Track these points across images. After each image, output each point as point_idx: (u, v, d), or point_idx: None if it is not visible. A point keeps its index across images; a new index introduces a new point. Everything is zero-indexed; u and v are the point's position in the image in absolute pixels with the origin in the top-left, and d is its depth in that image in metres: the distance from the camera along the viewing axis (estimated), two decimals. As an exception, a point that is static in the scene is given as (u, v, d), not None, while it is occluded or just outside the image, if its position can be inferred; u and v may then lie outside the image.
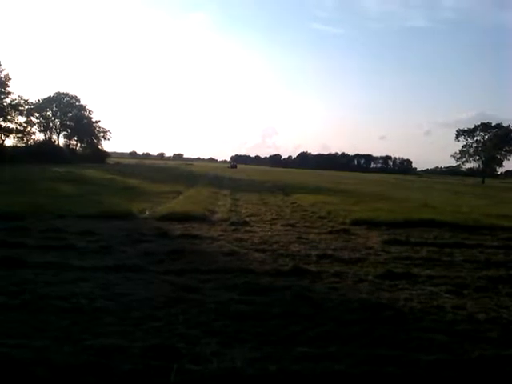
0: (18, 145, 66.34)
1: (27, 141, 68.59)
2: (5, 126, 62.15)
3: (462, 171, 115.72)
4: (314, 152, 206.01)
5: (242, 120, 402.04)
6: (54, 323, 4.99)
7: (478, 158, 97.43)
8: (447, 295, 6.73)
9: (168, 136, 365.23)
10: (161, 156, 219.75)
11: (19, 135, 65.75)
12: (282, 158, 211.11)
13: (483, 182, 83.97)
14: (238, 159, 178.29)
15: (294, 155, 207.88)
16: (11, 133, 63.60)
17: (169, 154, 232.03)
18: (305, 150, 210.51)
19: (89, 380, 3.71)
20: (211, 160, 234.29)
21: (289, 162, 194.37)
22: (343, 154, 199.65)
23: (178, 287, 6.50)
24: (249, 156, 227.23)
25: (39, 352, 4.14)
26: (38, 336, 4.61)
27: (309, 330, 5.10)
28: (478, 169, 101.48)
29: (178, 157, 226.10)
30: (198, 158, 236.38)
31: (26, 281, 6.48)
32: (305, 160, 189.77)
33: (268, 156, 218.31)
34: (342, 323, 5.36)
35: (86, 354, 4.15)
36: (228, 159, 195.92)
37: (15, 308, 5.42)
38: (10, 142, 64.82)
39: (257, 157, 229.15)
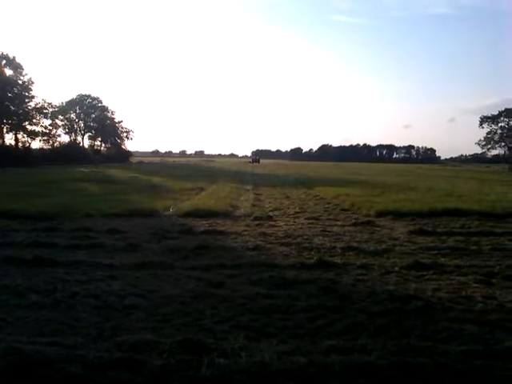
0: (44, 147, 67.58)
1: (53, 143, 69.83)
2: (31, 129, 63.31)
3: (488, 158, 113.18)
4: (335, 144, 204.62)
5: (261, 115, 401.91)
6: (85, 320, 5.12)
7: (503, 144, 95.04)
8: (476, 285, 6.63)
9: (189, 133, 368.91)
10: (182, 153, 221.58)
11: (45, 138, 66.79)
12: (303, 151, 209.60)
13: (509, 168, 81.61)
14: (258, 154, 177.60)
15: (315, 148, 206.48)
16: (37, 136, 64.75)
17: (190, 151, 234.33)
18: (326, 143, 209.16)
19: (122, 375, 3.79)
20: (232, 156, 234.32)
21: (310, 155, 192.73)
22: (365, 145, 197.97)
23: (204, 283, 6.58)
24: (269, 150, 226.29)
25: (72, 349, 4.24)
26: (71, 333, 4.73)
27: (336, 323, 5.11)
28: (503, 156, 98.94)
29: (200, 154, 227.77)
30: (219, 155, 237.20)
31: (58, 279, 6.65)
32: (326, 152, 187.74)
33: (289, 149, 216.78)
34: (370, 315, 5.34)
35: (119, 350, 4.25)
36: (249, 154, 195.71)
37: (47, 306, 5.58)
38: (36, 144, 66.23)
39: (277, 151, 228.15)
